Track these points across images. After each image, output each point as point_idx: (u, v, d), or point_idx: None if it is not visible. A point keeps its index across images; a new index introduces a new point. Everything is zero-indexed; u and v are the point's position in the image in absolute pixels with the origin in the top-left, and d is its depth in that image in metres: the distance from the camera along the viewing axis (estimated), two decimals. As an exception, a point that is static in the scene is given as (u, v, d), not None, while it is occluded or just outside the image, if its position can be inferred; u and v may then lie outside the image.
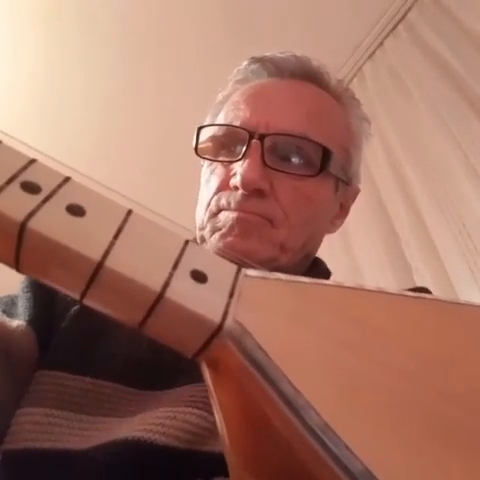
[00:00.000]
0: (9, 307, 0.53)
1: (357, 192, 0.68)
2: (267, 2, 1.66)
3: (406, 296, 0.29)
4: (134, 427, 0.42)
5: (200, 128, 0.62)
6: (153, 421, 0.42)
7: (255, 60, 0.66)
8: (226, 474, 0.25)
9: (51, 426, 0.44)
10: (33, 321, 0.51)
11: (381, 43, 1.75)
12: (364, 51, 1.79)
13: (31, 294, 0.54)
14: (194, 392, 0.44)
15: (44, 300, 0.54)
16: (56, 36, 1.68)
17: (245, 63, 0.67)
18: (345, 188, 0.64)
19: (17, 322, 0.50)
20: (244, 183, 0.54)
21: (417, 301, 0.30)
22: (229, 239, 0.54)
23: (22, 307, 0.52)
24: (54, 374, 0.48)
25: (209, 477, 0.38)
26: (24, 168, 0.22)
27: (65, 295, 0.57)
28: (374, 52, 1.77)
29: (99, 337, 0.51)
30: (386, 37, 1.73)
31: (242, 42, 1.66)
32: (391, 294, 0.29)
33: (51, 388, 0.46)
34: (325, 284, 0.27)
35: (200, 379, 0.46)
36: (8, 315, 0.52)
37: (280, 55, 0.65)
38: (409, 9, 1.68)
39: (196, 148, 0.62)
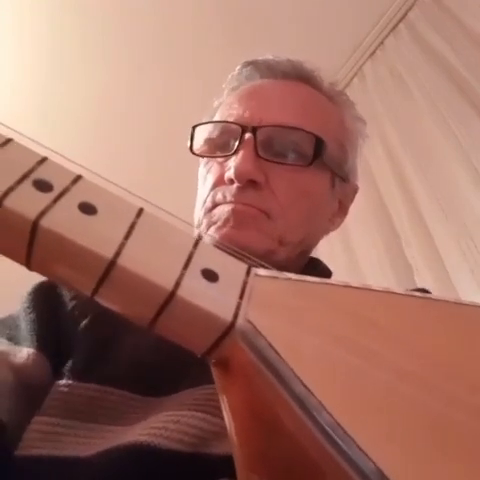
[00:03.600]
0: (14, 331, 0.53)
1: (355, 190, 0.68)
2: (267, 2, 1.66)
3: (414, 297, 0.29)
4: (138, 432, 0.42)
5: (195, 127, 0.62)
6: (156, 425, 0.42)
7: (247, 64, 0.67)
8: (230, 476, 0.25)
9: (57, 435, 0.44)
10: (42, 346, 0.50)
11: (382, 42, 1.75)
12: (364, 50, 1.78)
13: (35, 315, 0.53)
14: (197, 396, 0.44)
15: (49, 319, 0.53)
16: (57, 35, 1.68)
17: (238, 68, 0.67)
18: (342, 185, 0.64)
19: (27, 350, 0.49)
20: (238, 174, 0.54)
21: (425, 302, 0.30)
22: (224, 231, 0.54)
23: (26, 330, 0.52)
24: (61, 383, 0.47)
25: (213, 479, 0.38)
26: (36, 166, 0.22)
27: (71, 310, 0.56)
28: (374, 51, 1.77)
29: (106, 348, 0.51)
30: (387, 36, 1.73)
31: (242, 41, 1.66)
32: (399, 295, 0.29)
33: (58, 397, 0.46)
34: (334, 284, 0.27)
35: (203, 383, 0.45)
36: (15, 341, 0.51)
37: (273, 58, 0.66)
38: (410, 8, 1.67)
39: (191, 148, 0.62)
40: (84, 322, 0.53)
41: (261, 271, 0.25)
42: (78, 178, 0.22)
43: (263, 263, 0.26)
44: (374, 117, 1.56)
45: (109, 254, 0.21)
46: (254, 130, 0.56)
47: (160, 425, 0.41)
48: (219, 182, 0.57)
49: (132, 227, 0.22)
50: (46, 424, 0.44)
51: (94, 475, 0.40)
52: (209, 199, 0.58)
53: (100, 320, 0.52)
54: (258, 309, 0.23)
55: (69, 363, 0.49)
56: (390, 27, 1.72)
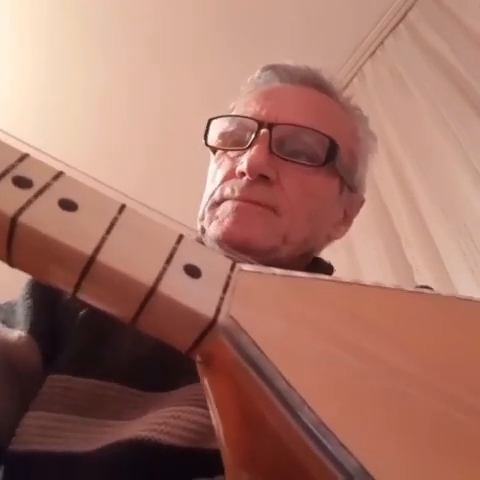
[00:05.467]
0: (9, 316, 0.53)
1: (362, 202, 0.69)
2: (267, 3, 1.66)
3: (404, 291, 0.29)
4: (138, 427, 0.42)
5: (210, 120, 0.63)
6: (157, 421, 0.42)
7: (267, 68, 0.67)
8: None
9: (57, 430, 0.44)
10: (34, 330, 0.50)
11: (381, 42, 1.74)
12: (364, 50, 1.78)
13: (31, 301, 0.53)
14: (198, 391, 0.44)
15: (45, 306, 0.54)
16: (57, 36, 1.68)
17: (257, 72, 0.68)
18: (350, 194, 0.64)
19: (18, 332, 0.49)
20: (250, 167, 0.54)
21: (416, 296, 0.29)
22: (227, 226, 0.54)
23: (22, 315, 0.52)
24: (59, 377, 0.47)
25: (213, 475, 0.38)
26: (16, 163, 0.21)
27: (70, 299, 0.57)
28: (374, 51, 1.77)
29: (104, 341, 0.51)
30: (387, 36, 1.73)
31: (242, 42, 1.67)
32: (389, 289, 0.28)
33: (57, 392, 0.46)
34: (321, 279, 0.26)
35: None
36: (8, 324, 0.51)
37: (292, 64, 0.67)
38: (410, 8, 1.67)
39: (205, 140, 0.62)
40: (82, 312, 0.53)
41: (246, 266, 0.24)
42: (59, 174, 0.22)
43: (249, 259, 0.26)
44: (374, 117, 1.55)
45: (89, 250, 0.21)
46: (270, 126, 0.56)
47: (161, 421, 0.42)
48: (229, 176, 0.58)
49: (113, 223, 0.22)
50: (45, 419, 0.44)
51: (94, 470, 0.40)
52: (217, 193, 0.58)
53: (98, 312, 0.52)
54: (241, 305, 0.22)
55: (66, 355, 0.49)
56: (390, 27, 1.72)
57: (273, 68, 0.67)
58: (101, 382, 0.47)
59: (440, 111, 1.43)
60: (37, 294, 0.54)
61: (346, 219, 0.67)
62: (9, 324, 0.51)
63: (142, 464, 0.40)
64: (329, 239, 0.66)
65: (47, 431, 0.44)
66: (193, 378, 0.45)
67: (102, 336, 0.51)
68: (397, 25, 1.70)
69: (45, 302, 0.54)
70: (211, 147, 0.62)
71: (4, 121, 1.76)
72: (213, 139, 0.62)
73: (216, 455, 0.39)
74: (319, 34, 1.71)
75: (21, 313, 0.52)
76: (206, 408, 0.42)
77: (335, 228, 0.65)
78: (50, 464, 0.42)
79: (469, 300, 0.31)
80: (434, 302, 0.30)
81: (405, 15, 1.68)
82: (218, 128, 0.62)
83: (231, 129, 0.61)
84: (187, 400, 0.44)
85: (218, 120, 0.63)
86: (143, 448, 0.40)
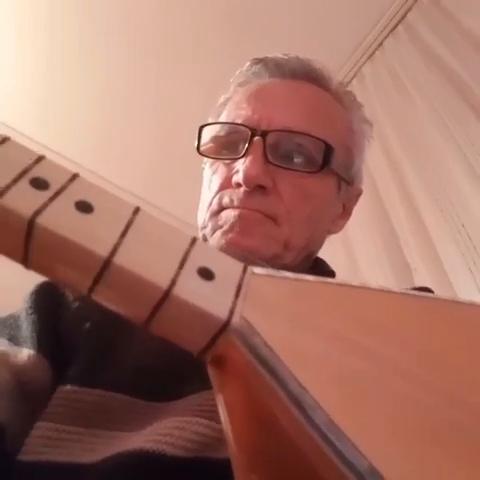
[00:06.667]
0: (15, 331, 0.52)
1: (359, 193, 0.68)
2: (267, 2, 1.66)
3: (412, 296, 0.29)
4: (143, 438, 0.41)
5: (202, 127, 0.62)
6: (161, 432, 0.41)
7: (257, 61, 0.66)
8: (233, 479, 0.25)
9: (62, 441, 0.43)
10: (43, 347, 0.49)
11: (381, 43, 1.75)
12: (364, 51, 1.78)
13: (36, 316, 0.52)
14: (202, 401, 0.44)
15: (50, 320, 0.53)
16: (58, 35, 1.68)
17: (247, 64, 0.67)
18: (347, 188, 0.64)
19: (27, 351, 0.49)
20: (246, 178, 0.53)
21: (423, 301, 0.29)
22: (231, 236, 0.54)
23: (28, 331, 0.51)
24: (64, 389, 0.47)
25: None
26: (33, 164, 0.22)
27: (74, 312, 0.56)
28: (374, 52, 1.77)
29: (110, 352, 0.50)
30: (386, 37, 1.73)
31: (242, 42, 1.66)
32: (397, 293, 0.29)
33: (61, 403, 0.46)
34: (331, 283, 0.27)
35: (208, 388, 0.45)
36: (15, 342, 0.51)
37: (282, 56, 0.65)
38: (409, 10, 1.68)
39: (198, 147, 0.61)
40: (87, 325, 0.52)
41: (258, 269, 0.24)
42: (75, 176, 0.22)
43: (261, 262, 0.26)
44: (373, 117, 1.54)
45: (105, 252, 0.21)
46: (263, 134, 0.55)
47: (165, 432, 0.41)
48: (226, 185, 0.57)
49: (128, 225, 0.22)
50: (51, 430, 0.44)
51: None
52: (215, 201, 0.57)
53: (104, 323, 0.52)
54: (254, 307, 0.23)
55: (73, 367, 0.49)
56: (389, 28, 1.72)
57: (263, 61, 0.65)
58: (106, 392, 0.46)
59: (439, 112, 1.44)
60: (41, 308, 0.54)
61: (345, 212, 0.67)
62: (16, 341, 0.51)
63: (146, 475, 0.39)
64: (328, 234, 0.66)
65: (51, 441, 0.43)
66: (197, 387, 0.45)
67: (107, 347, 0.51)
68: (396, 26, 1.71)
69: (50, 316, 0.53)
70: (205, 156, 0.62)
71: (4, 120, 1.75)
72: (205, 142, 0.61)
73: (220, 465, 0.39)
74: (318, 35, 1.71)
75: (26, 329, 0.52)
76: (210, 419, 0.41)
77: (334, 223, 0.65)
78: (54, 474, 0.41)
79: (472, 304, 0.31)
80: (440, 306, 0.30)
81: (404, 16, 1.69)
82: (210, 132, 0.61)
83: (223, 133, 0.60)
84: (191, 410, 0.43)
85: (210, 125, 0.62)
86: (147, 459, 0.39)
